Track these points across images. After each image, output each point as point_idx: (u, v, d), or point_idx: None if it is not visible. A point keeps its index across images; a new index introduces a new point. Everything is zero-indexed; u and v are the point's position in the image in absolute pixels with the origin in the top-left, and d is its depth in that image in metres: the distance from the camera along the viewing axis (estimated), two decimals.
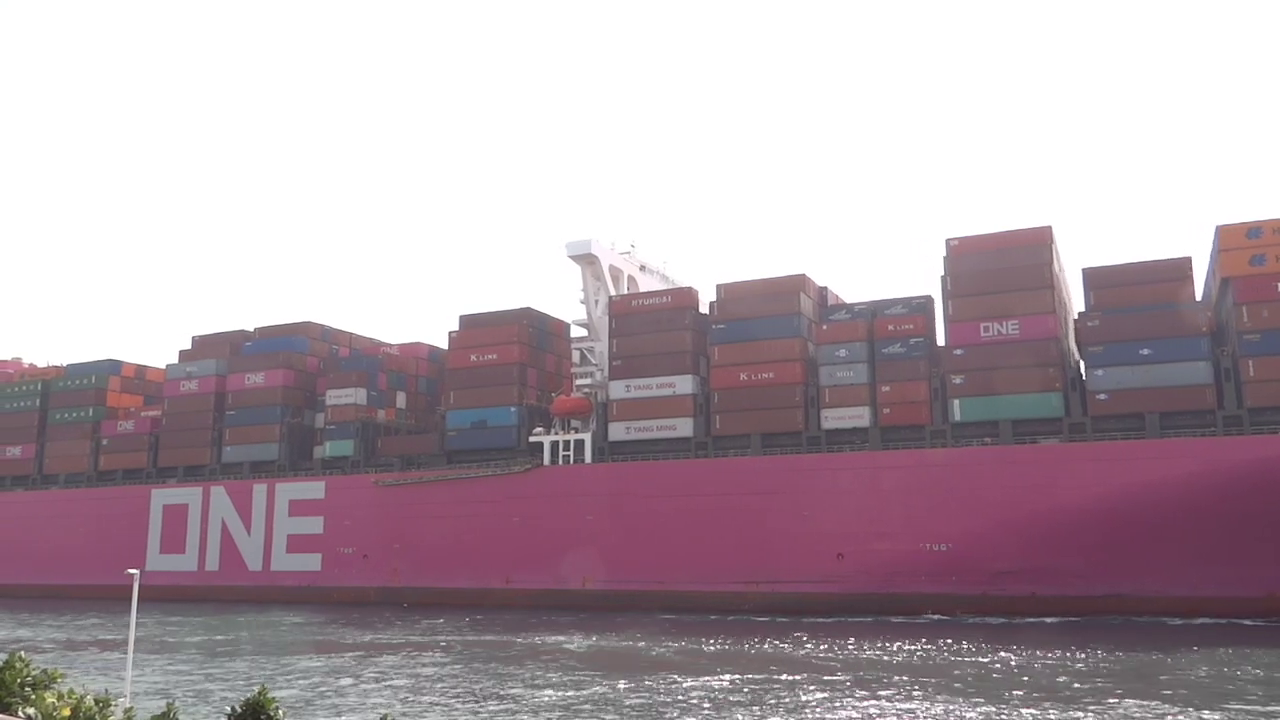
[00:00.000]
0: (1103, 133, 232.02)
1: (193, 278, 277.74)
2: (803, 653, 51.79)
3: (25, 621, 77.11)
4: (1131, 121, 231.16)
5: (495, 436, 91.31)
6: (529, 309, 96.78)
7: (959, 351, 74.95)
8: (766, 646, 54.25)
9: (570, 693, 40.55)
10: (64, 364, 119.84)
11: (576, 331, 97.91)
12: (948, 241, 77.85)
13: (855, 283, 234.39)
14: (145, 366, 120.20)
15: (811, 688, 40.68)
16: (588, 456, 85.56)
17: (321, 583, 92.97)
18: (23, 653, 10.16)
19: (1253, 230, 68.38)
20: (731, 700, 38.49)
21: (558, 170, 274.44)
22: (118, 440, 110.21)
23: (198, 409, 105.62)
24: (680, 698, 39.14)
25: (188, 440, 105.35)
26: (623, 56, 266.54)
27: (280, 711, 9.37)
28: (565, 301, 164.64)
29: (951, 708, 36.08)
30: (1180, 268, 73.55)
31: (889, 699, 38.11)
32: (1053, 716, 34.25)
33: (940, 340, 78.89)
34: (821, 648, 53.26)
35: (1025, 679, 42.19)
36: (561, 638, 59.48)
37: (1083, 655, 48.56)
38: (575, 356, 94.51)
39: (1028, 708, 35.77)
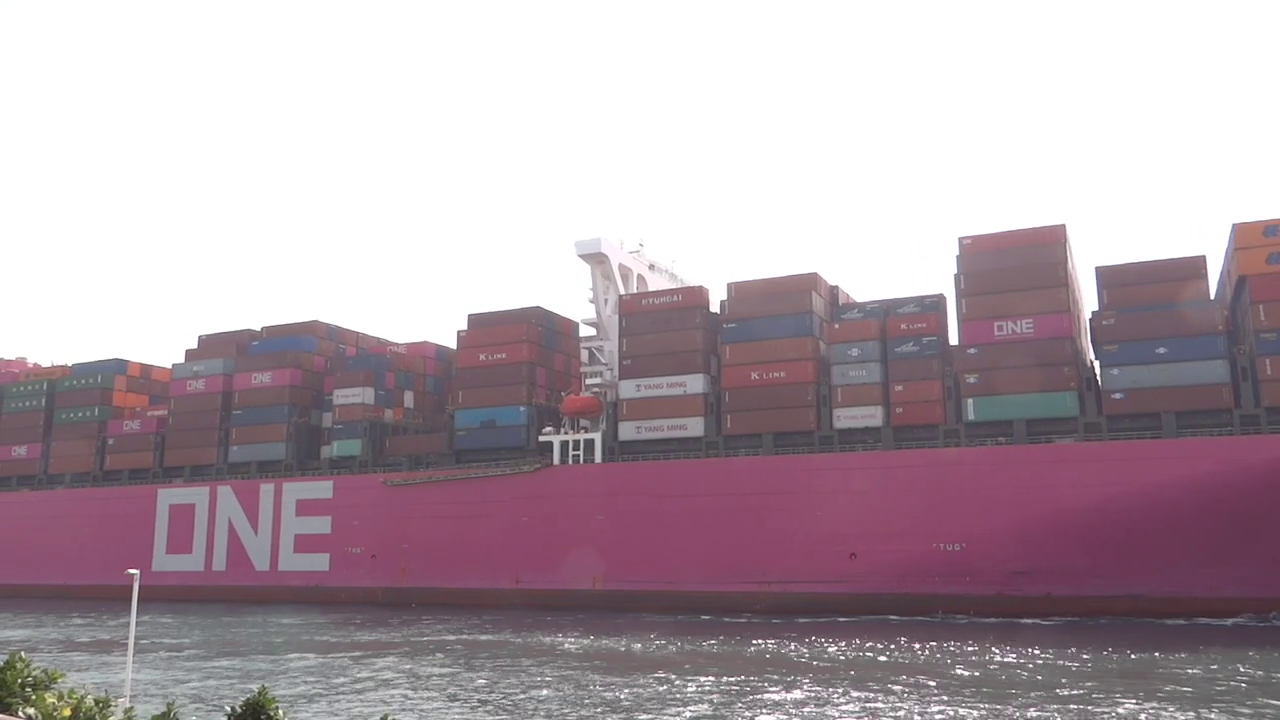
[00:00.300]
0: (1110, 131, 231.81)
1: (198, 277, 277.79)
2: (812, 653, 51.42)
3: (29, 622, 76.72)
4: (1138, 120, 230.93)
5: (504, 436, 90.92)
6: (538, 308, 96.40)
7: (972, 350, 74.54)
8: (779, 647, 53.82)
9: (573, 693, 40.28)
10: (69, 363, 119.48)
11: (585, 330, 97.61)
12: (960, 240, 77.46)
13: (865, 282, 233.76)
14: (151, 366, 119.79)
15: (818, 688, 40.39)
16: (598, 456, 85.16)
17: (329, 583, 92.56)
18: (23, 653, 10.15)
19: (1270, 228, 67.95)
20: (737, 701, 38.19)
21: (564, 169, 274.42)
22: (123, 440, 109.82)
23: (204, 408, 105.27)
24: (685, 698, 38.79)
25: (194, 440, 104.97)
26: (632, 54, 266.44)
27: (280, 711, 9.35)
28: (573, 300, 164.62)
29: (961, 708, 35.73)
30: (1195, 266, 73.10)
31: (894, 699, 37.78)
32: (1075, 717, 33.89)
33: (953, 339, 78.49)
34: (828, 649, 52.86)
35: (1039, 679, 41.81)
36: (570, 638, 59.13)
37: (1111, 654, 48.18)
38: (584, 356, 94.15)
39: (1044, 708, 35.38)
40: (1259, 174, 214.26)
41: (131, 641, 23.91)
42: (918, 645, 53.18)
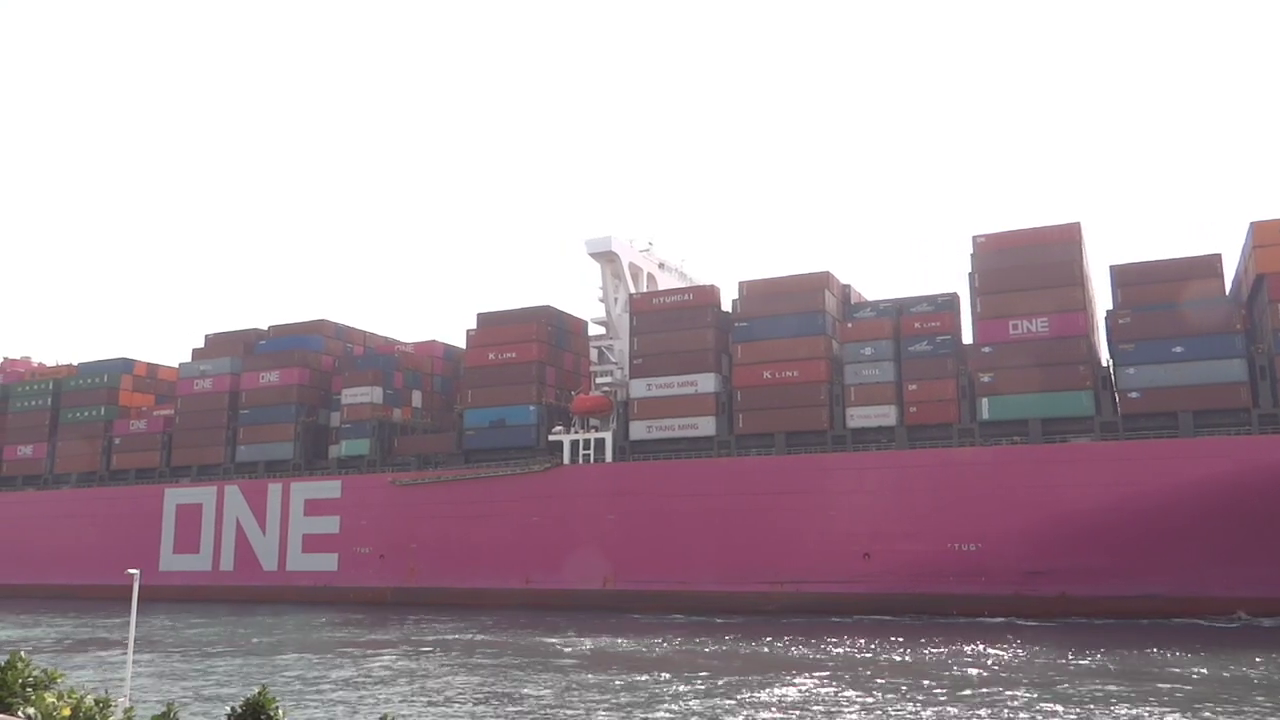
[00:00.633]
0: (1121, 130, 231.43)
1: (204, 276, 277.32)
2: (825, 654, 51.01)
3: (33, 622, 76.30)
4: (1149, 118, 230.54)
5: (514, 435, 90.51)
6: (548, 307, 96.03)
7: (987, 349, 74.12)
8: (792, 648, 53.39)
9: (581, 694, 39.88)
10: (75, 363, 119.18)
11: (594, 329, 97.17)
12: (974, 238, 77.03)
13: (876, 281, 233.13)
14: (157, 365, 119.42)
15: (830, 688, 40.02)
16: (608, 455, 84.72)
17: (337, 583, 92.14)
18: (23, 653, 10.19)
19: None
20: (746, 702, 37.81)
21: (572, 167, 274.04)
22: (130, 439, 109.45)
23: (211, 408, 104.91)
24: (695, 699, 38.40)
25: (201, 439, 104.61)
26: (641, 52, 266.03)
27: (280, 711, 9.37)
28: (579, 299, 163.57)
29: (972, 709, 35.36)
30: (1210, 264, 72.69)
31: (907, 701, 37.38)
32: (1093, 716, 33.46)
33: (966, 338, 78.06)
34: (841, 650, 52.42)
35: (1054, 679, 41.37)
36: (580, 639, 58.74)
37: (1131, 655, 47.74)
38: (593, 355, 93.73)
39: (1052, 709, 34.98)
40: (1267, 172, 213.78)
41: (131, 641, 23.90)
42: (933, 646, 52.74)
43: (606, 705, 37.46)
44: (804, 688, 40.50)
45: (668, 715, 35.66)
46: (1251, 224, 69.46)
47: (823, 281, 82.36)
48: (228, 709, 9.26)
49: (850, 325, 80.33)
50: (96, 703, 9.72)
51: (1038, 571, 67.72)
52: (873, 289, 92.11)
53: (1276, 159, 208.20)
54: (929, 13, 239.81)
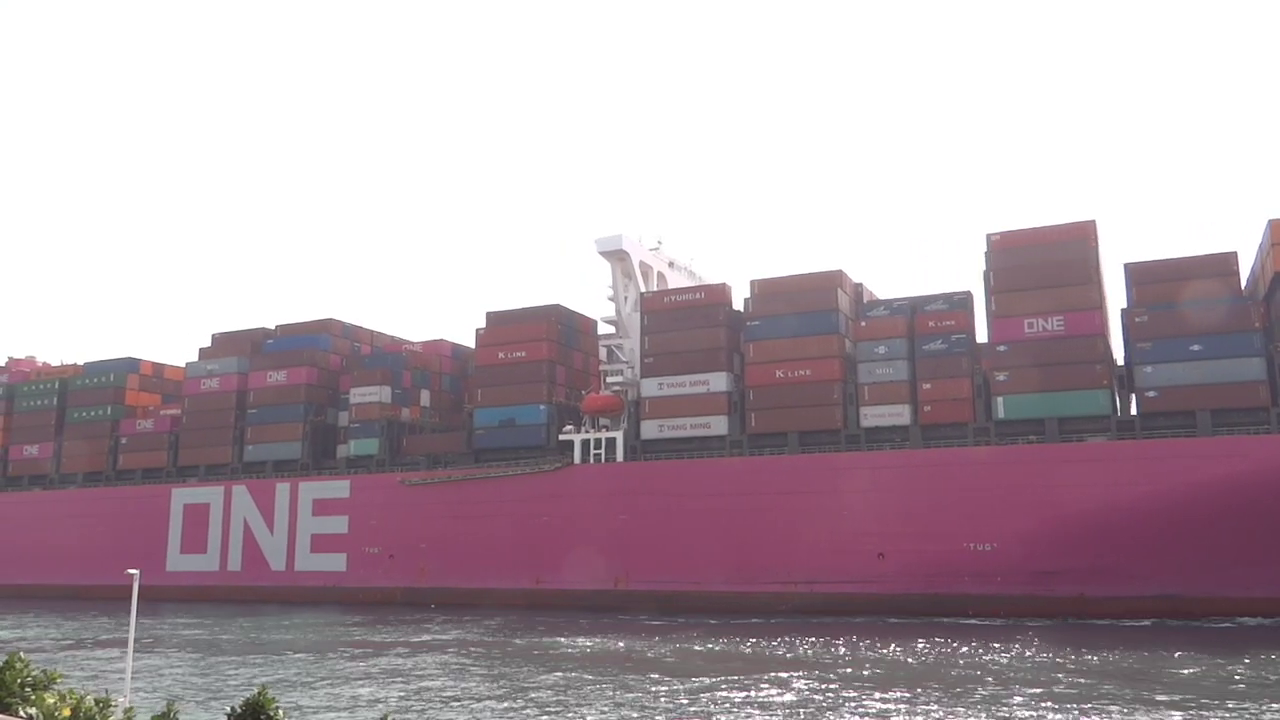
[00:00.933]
0: (1128, 128, 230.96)
1: (211, 275, 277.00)
2: (838, 654, 50.55)
3: (37, 623, 75.97)
4: (1156, 116, 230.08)
5: (524, 435, 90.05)
6: (557, 306, 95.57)
7: (1002, 348, 73.68)
8: (806, 648, 52.92)
9: (579, 693, 39.51)
10: (81, 362, 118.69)
11: (603, 328, 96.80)
12: (989, 236, 76.58)
13: (888, 279, 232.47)
14: (163, 365, 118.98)
15: (846, 690, 39.57)
16: (619, 455, 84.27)
17: (346, 583, 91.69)
18: (22, 653, 10.18)
19: None
20: (756, 702, 37.37)
21: (580, 166, 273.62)
22: (136, 439, 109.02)
23: (219, 407, 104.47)
24: (704, 700, 38.00)
25: (209, 439, 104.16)
26: (651, 50, 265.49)
27: (280, 711, 9.39)
28: (586, 297, 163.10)
29: (984, 710, 34.94)
30: (1226, 262, 72.30)
31: (918, 701, 37.01)
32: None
33: (981, 337, 77.60)
34: (855, 650, 51.98)
35: (1066, 680, 40.92)
36: (589, 639, 58.35)
37: (1150, 656, 47.28)
38: (602, 354, 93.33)
39: (1066, 709, 34.55)
40: (1256, 172, 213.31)
41: (131, 641, 23.86)
42: (949, 646, 52.30)
43: (609, 706, 37.07)
44: (816, 688, 40.06)
45: (673, 717, 35.19)
46: (1269, 221, 68.98)
47: (835, 280, 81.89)
48: (228, 709, 9.24)
49: (864, 324, 79.84)
50: (96, 703, 9.74)
51: (1054, 572, 67.27)
52: (885, 288, 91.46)
53: (1256, 158, 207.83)
54: (942, 9, 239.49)
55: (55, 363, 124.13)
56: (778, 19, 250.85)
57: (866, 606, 69.96)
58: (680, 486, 79.74)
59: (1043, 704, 36.14)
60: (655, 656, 51.43)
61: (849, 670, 45.50)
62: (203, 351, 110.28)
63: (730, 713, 35.74)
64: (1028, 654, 49.54)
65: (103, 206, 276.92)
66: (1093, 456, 68.40)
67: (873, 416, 76.66)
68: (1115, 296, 79.88)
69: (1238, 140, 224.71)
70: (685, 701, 37.91)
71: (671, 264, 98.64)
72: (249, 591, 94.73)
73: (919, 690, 39.47)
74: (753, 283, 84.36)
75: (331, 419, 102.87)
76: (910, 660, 48.54)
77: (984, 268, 76.35)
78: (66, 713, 9.47)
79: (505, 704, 37.88)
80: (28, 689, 9.88)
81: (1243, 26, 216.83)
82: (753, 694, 39.20)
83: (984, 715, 34.47)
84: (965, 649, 51.49)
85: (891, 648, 52.35)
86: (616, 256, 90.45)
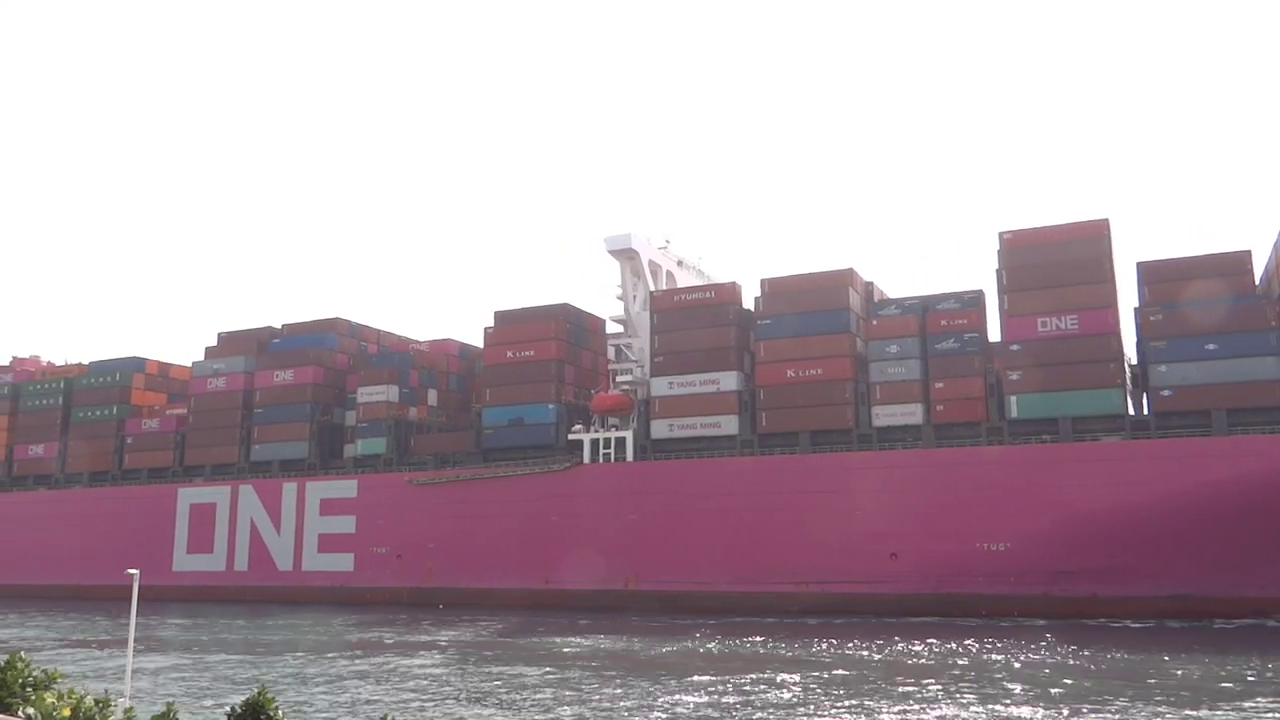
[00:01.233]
0: (1139, 126, 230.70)
1: (217, 274, 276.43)
2: (849, 656, 50.20)
3: (39, 623, 75.73)
4: (1168, 115, 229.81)
5: (533, 434, 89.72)
6: (566, 305, 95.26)
7: (1015, 347, 73.35)
8: (816, 649, 52.56)
9: (593, 696, 39.16)
10: (86, 361, 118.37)
11: (612, 327, 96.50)
12: (1001, 235, 76.25)
13: (900, 278, 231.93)
14: (169, 364, 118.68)
15: (850, 689, 39.23)
16: (629, 454, 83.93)
17: (354, 583, 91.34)
18: (23, 653, 10.19)
19: None
20: (767, 704, 36.99)
21: (588, 165, 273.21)
22: (142, 439, 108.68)
23: (225, 407, 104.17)
24: (713, 701, 37.60)
25: (215, 438, 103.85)
26: (659, 49, 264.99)
27: (280, 711, 9.39)
28: (594, 296, 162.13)
29: (996, 710, 34.62)
30: (1240, 261, 72.04)
31: (936, 702, 36.61)
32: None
33: (993, 336, 77.28)
34: (865, 651, 51.62)
35: (1078, 682, 40.57)
36: (598, 639, 58.03)
37: (1164, 658, 46.90)
38: (611, 353, 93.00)
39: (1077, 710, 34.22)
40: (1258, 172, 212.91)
41: (131, 641, 23.68)
42: (963, 646, 51.95)
43: (612, 706, 36.73)
44: (827, 688, 39.74)
45: (680, 717, 34.88)
46: None
47: (846, 279, 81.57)
48: (228, 709, 9.21)
49: (875, 323, 79.52)
50: (96, 703, 9.71)
51: (1067, 572, 66.95)
52: (897, 286, 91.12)
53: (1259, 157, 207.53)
54: (954, 7, 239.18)
55: (60, 362, 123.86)
56: (787, 17, 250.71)
57: (878, 607, 69.63)
58: (691, 486, 79.40)
59: (1058, 706, 35.77)
60: (661, 656, 51.12)
61: (863, 670, 45.17)
62: (209, 351, 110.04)
63: (741, 713, 35.37)
64: (1040, 655, 49.18)
65: (108, 206, 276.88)
66: (1106, 456, 68.06)
67: (884, 416, 76.34)
68: (1127, 295, 79.74)
69: (1251, 138, 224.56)
70: (701, 699, 37.55)
71: (680, 263, 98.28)
72: (256, 592, 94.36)
73: (928, 689, 39.12)
74: (763, 281, 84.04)
75: (338, 418, 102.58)
76: (920, 661, 48.17)
77: (996, 266, 76.06)
78: (66, 713, 9.42)
79: (506, 704, 37.53)
80: (28, 689, 9.85)
81: (1255, 25, 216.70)
82: (765, 694, 38.86)
83: (994, 716, 34.09)
84: (977, 649, 51.17)
85: (903, 647, 52.03)
86: (625, 255, 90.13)
